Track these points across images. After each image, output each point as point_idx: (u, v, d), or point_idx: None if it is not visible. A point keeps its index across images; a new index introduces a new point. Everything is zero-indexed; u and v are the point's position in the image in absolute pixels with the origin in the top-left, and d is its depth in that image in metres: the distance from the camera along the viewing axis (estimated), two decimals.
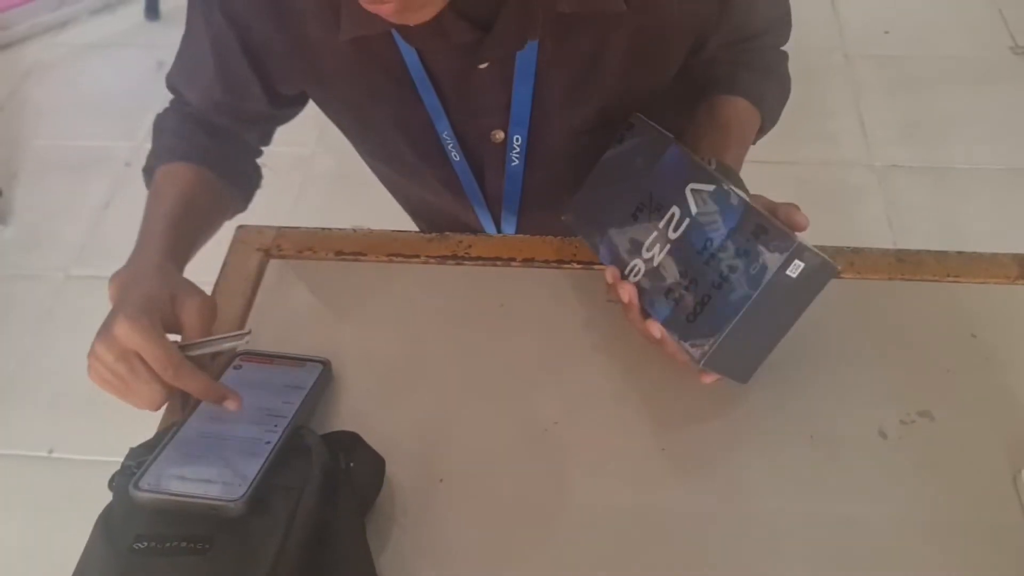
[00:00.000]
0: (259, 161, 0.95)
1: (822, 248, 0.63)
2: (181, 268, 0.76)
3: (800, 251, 0.61)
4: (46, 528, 1.50)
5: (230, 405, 0.68)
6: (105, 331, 0.66)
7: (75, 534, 0.62)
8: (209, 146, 0.86)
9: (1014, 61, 2.37)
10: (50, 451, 1.66)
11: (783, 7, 0.89)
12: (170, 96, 0.90)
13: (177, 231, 0.77)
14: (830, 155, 2.17)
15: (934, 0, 2.58)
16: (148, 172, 0.86)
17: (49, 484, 1.62)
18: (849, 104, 2.29)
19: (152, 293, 0.69)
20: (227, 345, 0.72)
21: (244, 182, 0.91)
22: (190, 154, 0.85)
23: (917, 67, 2.38)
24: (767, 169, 2.09)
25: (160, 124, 0.88)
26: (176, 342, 0.68)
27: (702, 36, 0.81)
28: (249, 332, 0.72)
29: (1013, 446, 0.69)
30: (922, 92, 2.31)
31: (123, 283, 0.71)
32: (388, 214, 1.10)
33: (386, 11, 0.61)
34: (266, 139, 0.95)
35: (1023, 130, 2.19)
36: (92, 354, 0.66)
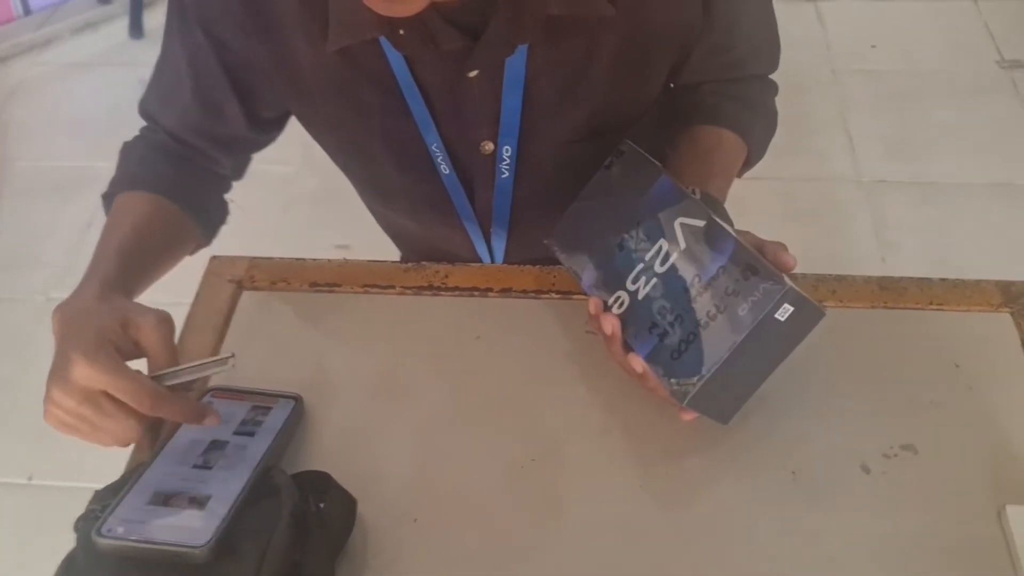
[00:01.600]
0: (228, 197, 0.93)
1: (804, 276, 0.62)
2: (129, 299, 0.73)
3: (790, 295, 0.61)
4: (26, 556, 1.48)
5: (210, 422, 0.67)
6: (60, 375, 0.63)
7: (55, 562, 0.61)
8: (174, 177, 0.84)
9: (1000, 75, 2.38)
10: (30, 478, 1.64)
11: (769, 30, 0.88)
12: (142, 124, 0.88)
13: (126, 263, 0.74)
14: (818, 170, 2.17)
15: (920, 14, 2.58)
16: (107, 199, 0.84)
17: (29, 511, 1.60)
18: (836, 119, 2.29)
19: (101, 324, 0.66)
20: (209, 372, 0.69)
21: (207, 216, 0.89)
22: (152, 184, 0.83)
23: (904, 81, 2.39)
24: (755, 185, 2.08)
25: (126, 151, 0.86)
26: (152, 373, 0.66)
27: (686, 45, 0.80)
28: (232, 356, 0.68)
29: (998, 480, 0.68)
30: (909, 106, 2.31)
31: (66, 318, 0.67)
32: (373, 234, 1.09)
33: None
34: (240, 169, 0.93)
35: (1010, 144, 2.19)
36: (50, 401, 0.64)
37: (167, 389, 0.66)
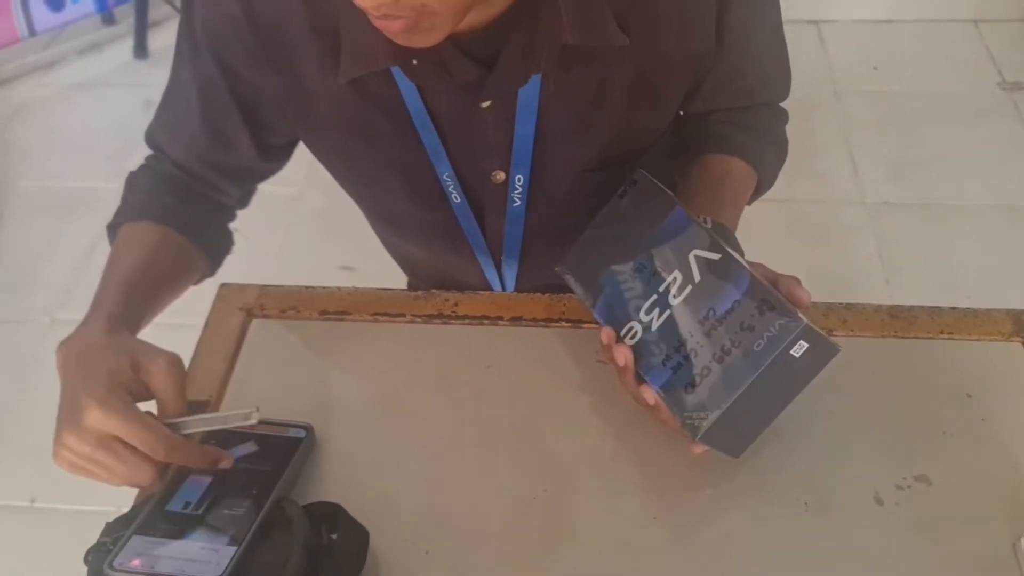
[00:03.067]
0: (232, 226, 0.92)
1: (814, 305, 0.62)
2: (134, 333, 0.72)
3: (806, 332, 0.61)
4: None
5: (224, 466, 0.67)
6: (72, 419, 0.62)
7: None
8: (179, 208, 0.84)
9: (1001, 96, 2.39)
10: (32, 500, 1.63)
11: (780, 59, 0.88)
12: (146, 143, 0.88)
13: (131, 296, 0.74)
14: (821, 192, 2.17)
15: (922, 36, 2.60)
16: (112, 230, 0.84)
17: (32, 534, 1.59)
18: (839, 140, 2.30)
19: (112, 367, 0.65)
20: (230, 424, 0.67)
21: (212, 247, 0.88)
22: (157, 214, 0.82)
23: (906, 103, 2.40)
24: (759, 206, 2.09)
25: (132, 181, 0.86)
26: (167, 420, 0.65)
27: (698, 74, 0.81)
28: (256, 410, 0.66)
29: (1012, 512, 0.68)
30: (911, 128, 2.32)
31: (75, 356, 0.66)
32: (378, 255, 1.09)
33: (396, 28, 0.59)
34: (245, 199, 0.93)
35: (1012, 165, 2.20)
36: (61, 444, 0.63)
37: (181, 437, 0.65)
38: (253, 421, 0.66)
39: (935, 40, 2.58)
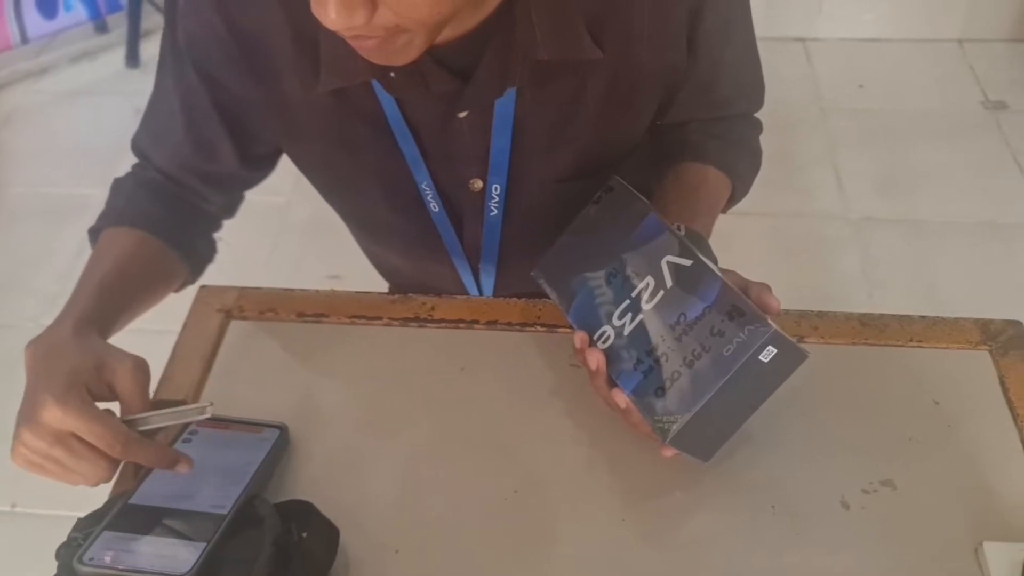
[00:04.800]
0: (217, 235, 0.93)
1: (786, 312, 0.63)
2: (105, 336, 0.72)
3: (774, 338, 0.62)
4: None
5: (182, 469, 0.65)
6: (30, 415, 0.62)
7: None
8: (161, 214, 0.84)
9: (985, 115, 2.41)
10: (13, 506, 1.63)
11: (753, 70, 0.89)
12: (134, 160, 0.88)
13: (105, 300, 0.74)
14: (806, 207, 2.19)
15: (907, 55, 2.62)
16: (93, 234, 0.84)
17: (12, 539, 1.58)
18: (825, 156, 2.32)
19: (75, 365, 0.64)
20: (186, 419, 0.68)
21: (194, 254, 0.88)
22: (139, 220, 0.83)
23: (891, 120, 2.42)
24: (744, 220, 2.12)
25: (116, 187, 0.87)
26: (126, 417, 0.66)
27: (672, 85, 0.82)
28: (210, 404, 0.66)
29: (975, 517, 0.69)
30: (896, 145, 2.34)
31: (39, 356, 0.66)
32: (363, 265, 1.10)
33: (369, 47, 0.60)
34: (231, 208, 0.93)
35: (994, 183, 2.22)
36: (19, 441, 0.63)
37: (139, 434, 0.65)
38: (208, 415, 0.66)
39: (920, 59, 2.61)
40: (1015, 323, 0.82)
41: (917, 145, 2.33)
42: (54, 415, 0.61)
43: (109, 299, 0.75)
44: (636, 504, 0.70)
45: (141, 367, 0.68)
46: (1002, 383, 0.78)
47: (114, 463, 0.64)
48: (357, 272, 1.12)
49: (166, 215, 0.85)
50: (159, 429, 0.68)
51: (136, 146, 0.87)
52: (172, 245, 0.85)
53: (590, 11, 0.72)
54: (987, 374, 0.79)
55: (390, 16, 0.56)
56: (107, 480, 0.65)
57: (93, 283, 0.75)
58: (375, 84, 0.75)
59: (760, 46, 0.87)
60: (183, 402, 0.78)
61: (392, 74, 0.72)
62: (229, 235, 0.95)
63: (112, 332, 0.74)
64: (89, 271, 0.78)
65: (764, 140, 0.95)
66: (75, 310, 0.71)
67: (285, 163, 0.91)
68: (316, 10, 0.55)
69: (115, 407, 0.67)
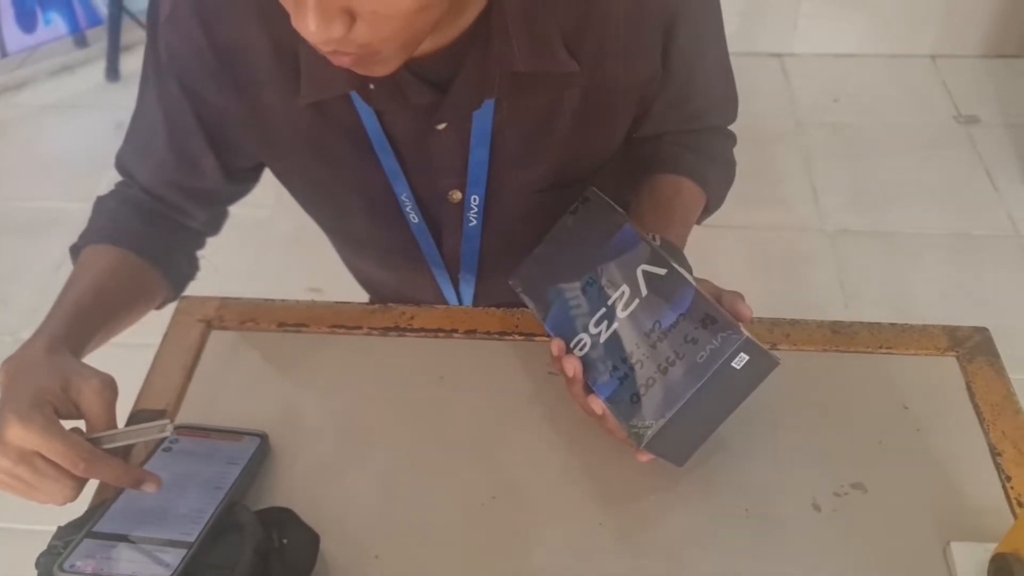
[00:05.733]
0: (200, 253, 0.93)
1: (759, 321, 0.64)
2: (78, 354, 0.72)
3: (746, 345, 0.63)
4: None
5: (148, 488, 0.65)
6: None
7: None
8: (142, 231, 0.84)
9: (957, 129, 2.45)
10: None
11: (727, 84, 0.91)
12: (118, 178, 0.88)
13: (80, 318, 0.74)
14: (782, 220, 2.22)
15: (881, 71, 2.67)
16: (74, 251, 0.84)
17: None
18: (801, 170, 2.35)
19: (41, 384, 0.64)
20: (145, 437, 0.67)
21: (175, 272, 0.88)
22: (119, 237, 0.83)
23: (866, 134, 2.45)
24: (721, 233, 2.15)
25: (99, 205, 0.87)
26: (84, 433, 0.65)
27: (646, 98, 0.83)
28: (168, 422, 0.67)
29: (943, 518, 0.70)
30: (871, 158, 2.38)
31: (12, 373, 0.66)
32: (346, 277, 1.11)
33: (345, 62, 0.61)
34: (215, 224, 0.93)
35: (967, 195, 2.25)
36: None
37: (103, 452, 0.64)
38: (167, 434, 0.66)
39: (894, 74, 2.65)
40: (981, 330, 0.84)
41: (891, 158, 2.36)
42: (17, 433, 0.61)
43: (85, 317, 0.74)
44: (612, 508, 0.72)
45: (108, 384, 0.67)
46: (969, 388, 0.80)
47: (79, 482, 0.63)
48: (339, 285, 1.13)
49: (148, 232, 0.85)
50: (131, 446, 0.68)
51: (120, 162, 0.88)
52: (153, 263, 0.85)
53: (566, 25, 0.74)
54: (954, 379, 0.81)
55: (367, 31, 0.57)
56: (72, 499, 0.64)
57: (70, 301, 0.75)
58: (354, 96, 0.76)
59: (737, 62, 0.89)
60: (163, 411, 0.78)
61: (371, 86, 0.73)
62: (211, 247, 0.96)
63: (87, 350, 0.74)
64: (67, 289, 0.78)
65: (741, 154, 0.97)
66: (49, 328, 0.71)
67: (268, 176, 0.92)
68: (296, 22, 0.56)
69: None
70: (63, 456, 0.61)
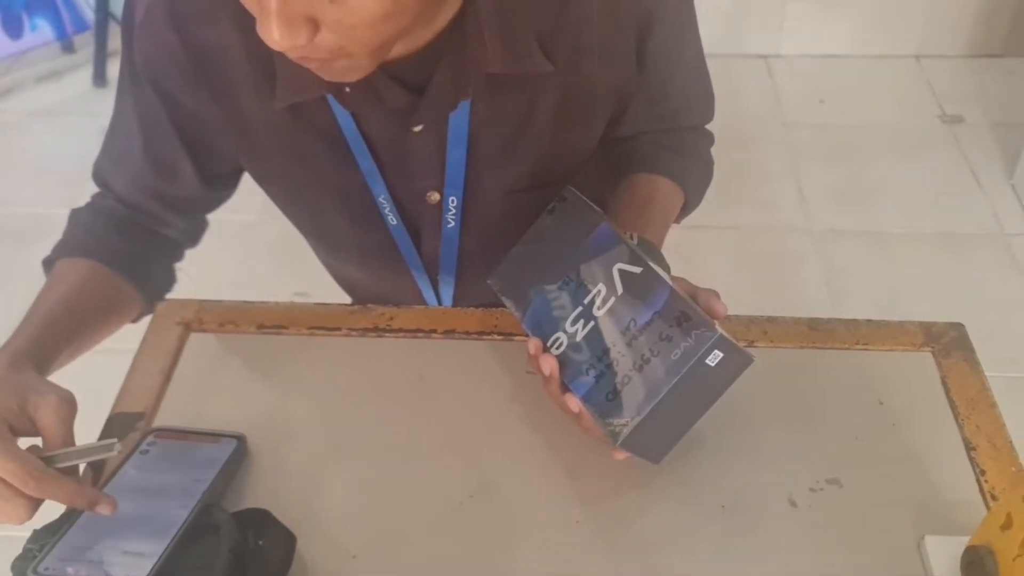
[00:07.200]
0: (178, 265, 0.92)
1: (737, 318, 0.65)
2: (44, 370, 0.71)
3: (720, 342, 0.63)
4: None
5: (102, 510, 0.63)
6: None
7: None
8: (116, 243, 0.84)
9: (942, 129, 2.47)
10: None
11: (703, 83, 0.92)
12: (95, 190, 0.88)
13: (47, 333, 0.73)
14: (769, 220, 2.22)
15: (866, 71, 2.68)
16: (47, 265, 0.84)
17: None
18: (787, 170, 2.36)
19: None
20: (94, 456, 0.66)
21: (150, 284, 0.87)
22: (92, 250, 0.82)
23: (851, 135, 2.47)
24: (708, 234, 2.15)
25: (73, 217, 0.86)
26: (44, 453, 0.64)
27: (622, 98, 0.84)
28: (115, 441, 0.65)
29: (918, 512, 0.71)
30: (856, 158, 2.39)
31: None
32: (331, 282, 1.11)
33: (315, 67, 0.61)
34: (194, 234, 0.93)
35: (951, 195, 2.27)
36: None
37: (55, 471, 0.63)
38: (114, 453, 0.65)
39: (879, 75, 2.67)
40: (957, 325, 0.85)
41: (877, 158, 2.38)
42: None
43: (53, 333, 0.73)
44: (590, 506, 0.72)
45: (66, 400, 0.66)
46: (944, 383, 0.80)
47: (33, 501, 0.62)
48: (325, 290, 1.13)
49: (122, 244, 0.84)
50: (102, 462, 0.68)
51: (96, 172, 0.87)
52: (128, 275, 0.84)
53: (541, 26, 0.74)
54: (930, 375, 0.81)
55: (332, 38, 0.57)
56: (26, 518, 0.62)
57: (38, 316, 0.74)
58: (331, 99, 0.76)
59: (723, 63, 0.90)
60: (142, 415, 0.78)
61: (347, 89, 0.73)
62: (197, 250, 0.96)
63: (56, 365, 0.73)
64: (37, 303, 0.77)
65: (728, 154, 0.97)
66: (14, 344, 0.70)
67: (253, 182, 0.92)
68: (260, 30, 0.56)
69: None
70: (13, 475, 0.60)
